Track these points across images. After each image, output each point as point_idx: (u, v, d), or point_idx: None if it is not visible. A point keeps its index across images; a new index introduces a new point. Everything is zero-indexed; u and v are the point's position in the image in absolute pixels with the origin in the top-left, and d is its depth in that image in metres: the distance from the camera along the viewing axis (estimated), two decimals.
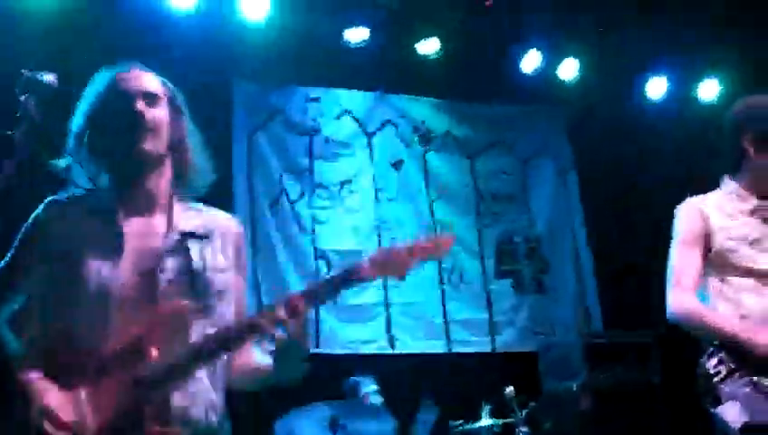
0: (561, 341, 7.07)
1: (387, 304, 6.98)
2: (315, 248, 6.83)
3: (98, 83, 2.46)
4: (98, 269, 2.28)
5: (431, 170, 7.48)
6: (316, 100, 7.10)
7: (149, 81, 2.48)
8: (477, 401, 5.79)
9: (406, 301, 7.06)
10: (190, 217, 2.47)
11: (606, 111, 7.52)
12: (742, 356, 3.00)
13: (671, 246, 3.32)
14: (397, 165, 7.34)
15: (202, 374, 2.31)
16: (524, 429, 5.67)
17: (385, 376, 6.01)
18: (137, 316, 2.24)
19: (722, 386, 2.98)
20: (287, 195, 6.84)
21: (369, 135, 7.27)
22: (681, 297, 3.18)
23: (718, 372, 3.01)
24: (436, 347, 7.06)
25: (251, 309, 2.45)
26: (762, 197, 3.28)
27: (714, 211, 3.26)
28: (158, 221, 2.42)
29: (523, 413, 5.71)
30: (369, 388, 5.88)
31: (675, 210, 3.36)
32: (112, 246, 2.32)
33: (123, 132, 2.37)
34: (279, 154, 6.89)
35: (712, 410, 2.99)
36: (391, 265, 2.37)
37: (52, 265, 2.31)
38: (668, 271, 3.28)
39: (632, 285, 7.34)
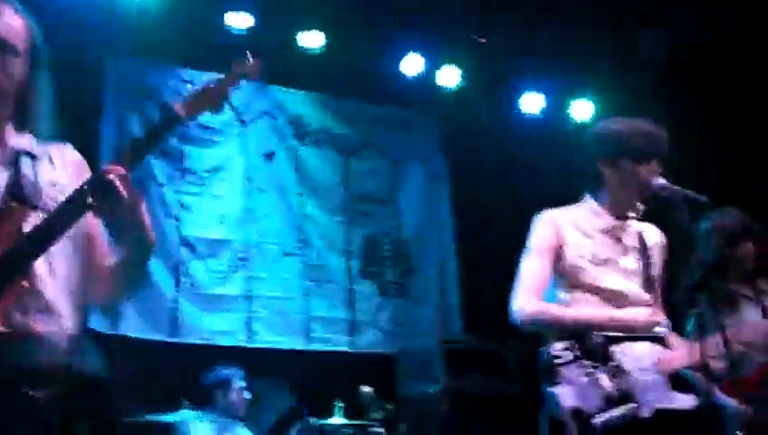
0: (422, 345, 7.09)
1: (248, 297, 6.86)
2: (179, 234, 6.65)
3: None
4: None
5: (303, 165, 7.40)
6: (191, 83, 6.85)
7: (10, 23, 2.32)
8: (333, 400, 5.76)
9: (268, 294, 6.95)
10: (24, 140, 2.39)
11: (482, 122, 7.63)
12: (584, 347, 3.08)
13: (522, 255, 3.36)
14: (269, 156, 7.23)
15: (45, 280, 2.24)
16: (379, 430, 5.68)
17: (245, 370, 5.90)
18: None
19: (562, 369, 3.04)
20: (155, 178, 6.62)
21: (244, 124, 7.13)
22: (525, 300, 3.23)
23: (562, 356, 3.07)
24: (296, 343, 6.98)
25: None
26: (617, 217, 3.37)
27: (568, 225, 3.33)
28: None
29: (379, 415, 5.72)
30: (242, 383, 5.76)
31: (522, 218, 3.42)
32: None
33: None
34: None
35: (546, 388, 3.04)
36: (204, 98, 2.47)
37: None
38: (516, 277, 3.32)
39: (495, 295, 7.42)
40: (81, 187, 2.22)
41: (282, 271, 7.09)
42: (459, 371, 6.67)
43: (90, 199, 2.20)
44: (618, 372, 3.05)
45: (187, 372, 5.97)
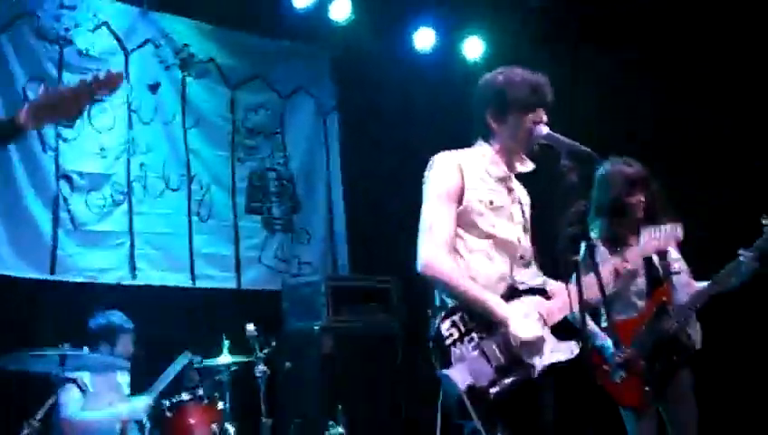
0: (306, 281, 7.10)
1: (131, 232, 6.67)
2: (58, 167, 6.37)
3: None
4: None
5: (189, 97, 7.16)
6: (72, 8, 6.53)
7: None
8: (219, 338, 5.71)
9: (151, 231, 6.77)
10: None
11: (374, 57, 7.54)
12: (480, 319, 3.12)
13: (426, 196, 3.33)
14: (154, 87, 6.97)
15: None
16: (263, 368, 5.67)
17: (124, 307, 5.75)
18: None
19: (453, 349, 3.07)
20: None
21: (128, 52, 6.82)
22: (434, 252, 3.20)
23: (450, 335, 3.09)
24: (180, 280, 6.85)
25: None
26: (509, 166, 3.40)
27: (470, 169, 3.33)
28: None
29: (264, 352, 5.71)
30: (129, 327, 5.59)
31: (430, 160, 3.39)
32: None
33: None
34: (23, 61, 6.26)
35: (440, 371, 3.07)
36: (59, 108, 2.28)
37: None
38: (422, 222, 3.28)
39: (381, 232, 7.49)
40: None
41: (165, 206, 6.91)
42: (342, 308, 6.73)
43: None
44: (505, 339, 3.08)
45: (68, 311, 5.80)
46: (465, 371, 3.03)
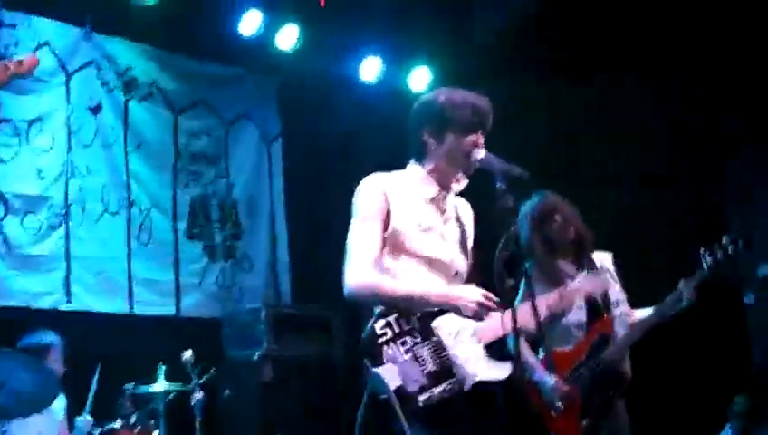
0: (247, 309, 7.02)
1: (67, 257, 6.53)
2: None
3: None
4: None
5: (131, 120, 7.07)
6: (12, 26, 6.43)
7: None
8: (155, 364, 5.60)
9: (88, 255, 6.64)
10: None
11: (320, 85, 7.55)
12: (411, 321, 3.09)
13: (351, 221, 3.29)
14: (95, 110, 6.86)
15: None
16: (200, 395, 5.58)
17: (61, 333, 5.60)
18: None
19: (385, 348, 3.03)
20: None
21: (69, 74, 6.72)
22: (358, 271, 3.16)
23: (384, 334, 3.06)
24: (117, 307, 6.72)
25: None
26: (441, 186, 3.38)
27: (395, 190, 3.29)
28: None
29: (201, 379, 5.62)
30: (53, 342, 5.44)
31: (357, 186, 3.37)
32: None
33: None
34: None
35: (371, 368, 3.02)
36: None
37: None
38: (347, 248, 3.24)
39: (323, 260, 7.44)
40: None
41: (104, 230, 6.79)
42: (283, 336, 6.66)
43: None
44: (438, 348, 3.06)
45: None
46: (395, 372, 2.98)
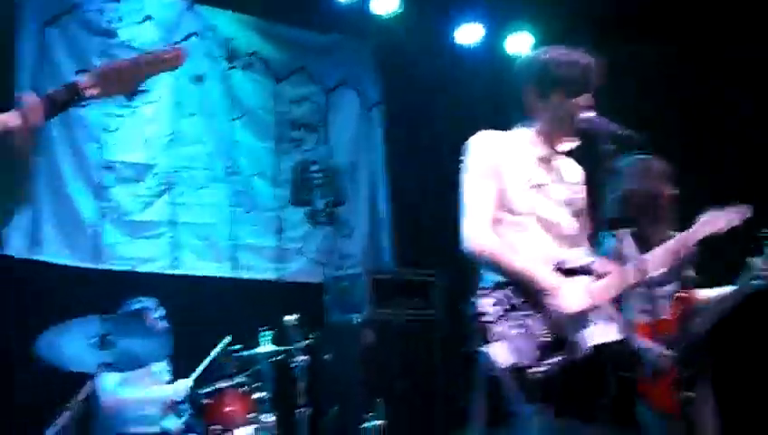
0: (348, 274, 7.08)
1: (173, 223, 6.72)
2: (102, 158, 6.44)
3: None
4: None
5: (234, 89, 7.22)
6: (117, 1, 6.63)
7: None
8: (259, 328, 5.72)
9: (194, 220, 6.83)
10: None
11: (419, 51, 7.51)
12: (526, 295, 3.04)
13: (463, 177, 3.26)
14: (199, 79, 7.02)
15: None
16: (303, 358, 5.67)
17: (167, 297, 5.80)
18: None
19: (493, 326, 3.00)
20: None
21: (172, 44, 6.89)
22: (475, 231, 3.14)
23: (491, 312, 3.02)
24: (222, 270, 6.89)
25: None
26: (550, 146, 3.33)
27: (506, 149, 3.26)
28: None
29: (304, 343, 5.71)
30: (158, 314, 5.64)
31: (467, 142, 3.32)
32: None
33: None
34: (71, 54, 6.37)
35: (480, 348, 2.99)
36: (115, 81, 2.18)
37: None
38: (462, 204, 3.21)
39: (424, 225, 7.46)
40: None
41: (209, 197, 6.96)
42: (384, 301, 6.70)
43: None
44: (550, 317, 3.00)
45: (109, 300, 5.85)
46: (507, 349, 2.95)
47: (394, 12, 7.31)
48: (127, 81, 2.17)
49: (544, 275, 3.09)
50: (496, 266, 3.11)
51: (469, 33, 7.63)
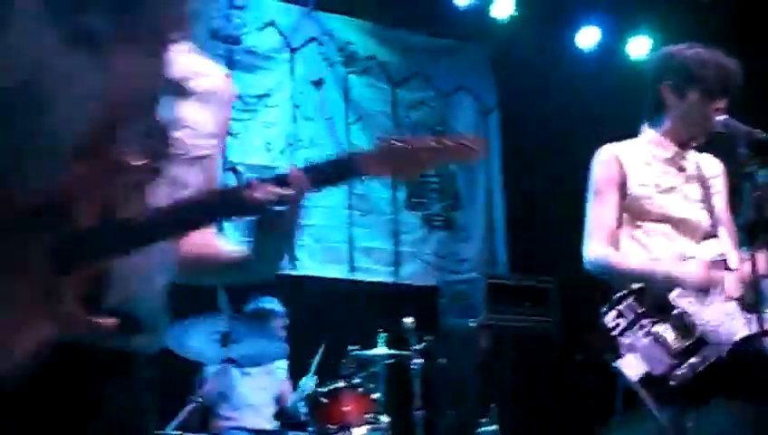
0: (465, 278, 7.08)
1: None
2: (226, 161, 6.63)
3: None
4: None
5: (352, 93, 7.32)
6: (240, 8, 6.82)
7: None
8: (375, 330, 5.77)
9: (312, 223, 6.93)
10: (184, 62, 1.89)
11: (536, 55, 7.44)
12: (645, 301, 2.98)
13: (588, 195, 3.28)
14: (317, 84, 7.15)
15: (146, 255, 1.68)
16: (419, 361, 5.69)
17: (286, 297, 5.92)
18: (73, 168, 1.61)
19: (621, 339, 2.95)
20: None
21: (293, 50, 7.04)
22: (596, 248, 3.17)
23: (617, 326, 2.98)
24: (338, 272, 6.99)
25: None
26: (680, 145, 3.25)
27: (630, 158, 3.23)
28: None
29: (420, 346, 5.72)
30: (280, 311, 5.78)
31: (593, 158, 3.32)
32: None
33: None
34: None
35: (613, 363, 2.95)
36: (400, 163, 1.79)
37: None
38: (586, 222, 3.25)
39: (541, 230, 7.38)
40: (246, 188, 1.71)
41: (326, 200, 7.06)
42: (501, 305, 6.66)
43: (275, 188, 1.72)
44: (681, 321, 2.92)
45: (232, 299, 5.99)
46: (637, 360, 2.90)
47: (511, 16, 7.27)
48: (415, 165, 1.78)
49: (660, 266, 3.05)
50: (624, 276, 3.08)
51: (587, 37, 7.54)
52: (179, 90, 1.83)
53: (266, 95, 6.87)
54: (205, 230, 1.89)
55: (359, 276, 7.06)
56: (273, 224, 1.77)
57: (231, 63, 6.70)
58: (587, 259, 3.19)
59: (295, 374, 5.76)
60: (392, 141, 1.81)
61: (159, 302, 1.82)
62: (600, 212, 3.20)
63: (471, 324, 6.56)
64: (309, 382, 5.58)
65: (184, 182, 1.81)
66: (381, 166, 1.78)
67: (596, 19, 7.50)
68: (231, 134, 6.62)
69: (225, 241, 1.98)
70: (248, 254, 1.87)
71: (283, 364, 5.81)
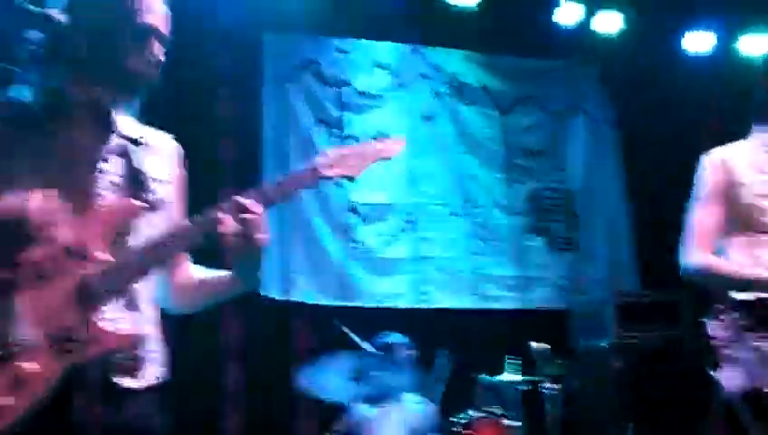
0: (593, 299, 7.00)
1: (417, 258, 6.95)
2: (347, 201, 6.79)
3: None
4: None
5: (463, 124, 7.38)
6: (347, 52, 7.02)
7: (164, 14, 2.31)
8: (505, 357, 5.77)
9: (437, 255, 7.02)
10: (130, 126, 2.34)
11: (646, 65, 7.33)
12: (752, 315, 2.90)
13: (690, 200, 3.20)
14: (428, 118, 7.25)
15: (138, 288, 2.23)
16: (551, 386, 5.66)
17: (414, 330, 6.00)
18: (75, 216, 2.11)
19: (724, 350, 2.89)
20: (315, 148, 6.77)
21: (402, 87, 7.18)
22: (694, 254, 3.11)
23: (718, 336, 2.91)
24: (466, 302, 7.03)
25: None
26: None
27: (741, 164, 3.15)
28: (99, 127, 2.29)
29: (551, 371, 5.69)
30: (402, 345, 5.87)
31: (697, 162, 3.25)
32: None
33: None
34: (309, 105, 6.83)
35: (712, 374, 2.89)
36: (347, 164, 2.43)
37: None
38: (685, 227, 3.18)
39: (668, 244, 7.20)
40: (219, 210, 2.20)
41: (449, 231, 7.14)
42: (633, 325, 6.53)
43: (223, 228, 2.18)
44: None
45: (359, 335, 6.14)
46: (738, 373, 2.84)
47: (618, 30, 7.21)
48: (355, 165, 2.43)
49: (757, 271, 2.98)
50: (721, 283, 3.01)
51: (699, 42, 7.38)
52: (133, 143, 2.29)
53: (379, 134, 7.00)
54: (182, 263, 2.44)
55: (487, 305, 7.08)
56: (243, 243, 2.20)
57: (342, 106, 6.90)
58: (684, 265, 3.13)
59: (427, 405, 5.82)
60: (334, 150, 2.41)
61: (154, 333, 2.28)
62: (701, 217, 3.14)
63: (603, 345, 6.46)
64: (430, 409, 5.60)
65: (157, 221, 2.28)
66: (335, 168, 2.38)
67: (707, 23, 7.33)
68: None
69: (201, 269, 2.46)
70: (228, 275, 2.36)
71: (414, 397, 5.86)
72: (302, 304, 6.43)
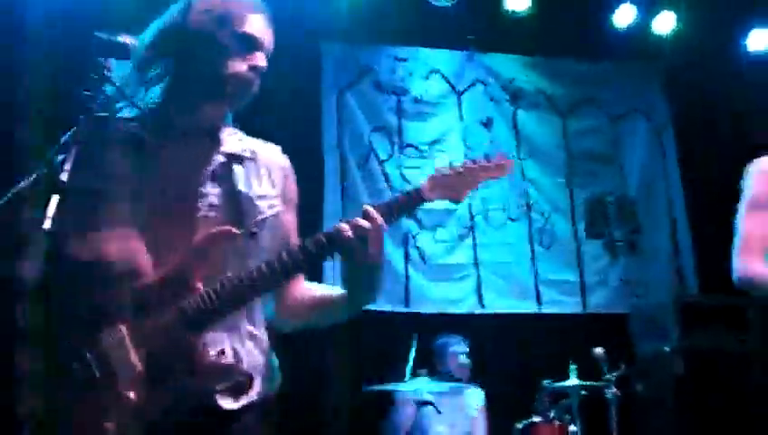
0: (654, 302, 6.94)
1: (476, 264, 6.97)
2: None
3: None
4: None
5: (521, 129, 7.40)
6: (404, 60, 7.09)
7: (268, 28, 2.32)
8: (567, 362, 5.77)
9: (496, 260, 7.04)
10: (236, 141, 2.31)
11: (705, 66, 7.25)
12: None
13: (739, 206, 3.16)
14: (487, 124, 7.28)
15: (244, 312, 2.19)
16: (614, 390, 5.64)
17: (474, 335, 6.04)
18: (175, 245, 2.07)
19: None
20: (376, 154, 6.87)
21: (459, 94, 7.23)
22: (747, 262, 3.09)
23: None
24: (526, 307, 7.03)
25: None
26: None
27: None
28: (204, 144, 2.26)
29: (613, 375, 5.68)
30: (459, 348, 5.93)
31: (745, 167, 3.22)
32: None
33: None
34: (367, 113, 6.92)
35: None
36: (451, 187, 2.30)
37: None
38: (735, 235, 3.16)
39: (729, 246, 7.13)
40: (325, 239, 2.12)
41: (508, 236, 7.15)
42: (695, 328, 6.47)
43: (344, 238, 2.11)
44: None
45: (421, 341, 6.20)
46: None
47: (674, 30, 7.15)
48: (460, 188, 2.30)
49: None
50: (763, 289, 2.98)
51: (757, 39, 7.30)
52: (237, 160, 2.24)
53: (438, 141, 7.07)
54: (297, 280, 2.31)
55: (547, 310, 7.07)
56: (361, 259, 2.12)
57: (400, 113, 6.97)
58: (737, 274, 3.11)
59: (489, 410, 5.86)
60: (439, 172, 2.28)
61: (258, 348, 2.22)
62: (753, 226, 3.11)
63: (665, 349, 6.42)
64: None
65: (262, 244, 2.23)
66: (434, 193, 2.27)
67: (764, 19, 7.23)
68: (408, 181, 6.87)
69: (315, 285, 2.37)
70: (344, 292, 2.25)
71: (473, 402, 5.91)
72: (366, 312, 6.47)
